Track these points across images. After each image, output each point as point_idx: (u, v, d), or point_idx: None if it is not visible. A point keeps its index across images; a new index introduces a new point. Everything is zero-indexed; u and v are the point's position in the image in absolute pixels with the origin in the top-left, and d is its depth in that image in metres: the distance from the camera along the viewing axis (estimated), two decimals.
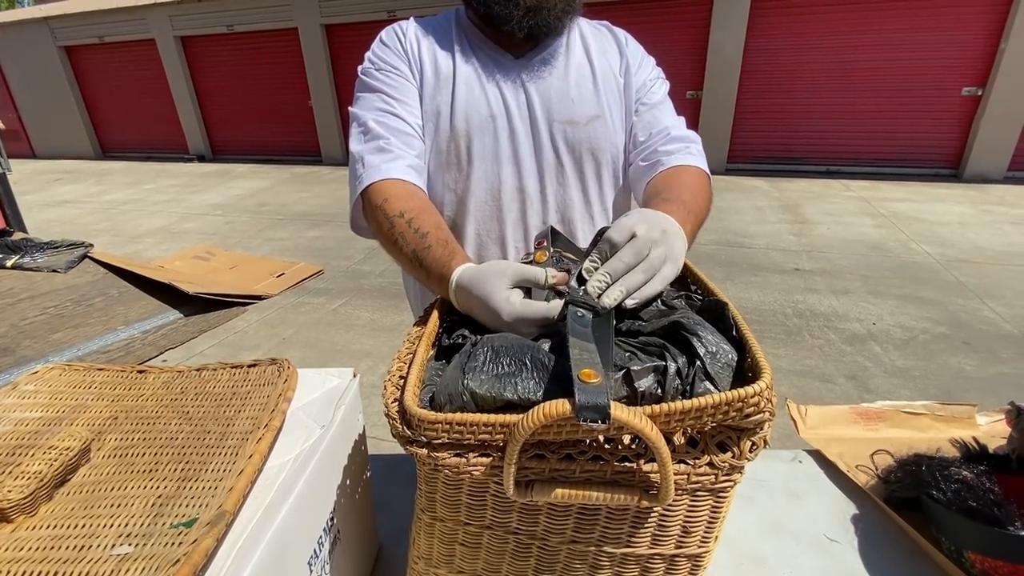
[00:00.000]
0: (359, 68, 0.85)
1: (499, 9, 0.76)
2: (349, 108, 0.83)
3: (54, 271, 3.57)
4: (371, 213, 0.74)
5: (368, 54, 0.85)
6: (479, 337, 0.50)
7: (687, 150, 0.82)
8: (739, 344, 0.44)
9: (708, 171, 0.83)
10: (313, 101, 8.90)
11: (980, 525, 0.61)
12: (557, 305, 0.50)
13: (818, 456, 0.89)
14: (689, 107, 6.98)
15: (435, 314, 0.57)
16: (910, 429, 0.96)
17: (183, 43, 9.49)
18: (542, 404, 0.34)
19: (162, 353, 2.93)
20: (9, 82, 10.81)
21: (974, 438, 0.83)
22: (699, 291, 0.57)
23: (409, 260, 0.67)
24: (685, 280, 0.60)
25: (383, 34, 0.85)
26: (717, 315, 0.48)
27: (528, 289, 0.55)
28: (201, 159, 10.04)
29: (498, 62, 0.83)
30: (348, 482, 0.58)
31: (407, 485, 0.85)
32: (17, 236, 4.08)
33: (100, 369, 0.58)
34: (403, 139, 0.79)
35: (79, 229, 5.52)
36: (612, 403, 0.33)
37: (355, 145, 0.79)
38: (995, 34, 5.90)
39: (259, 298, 3.61)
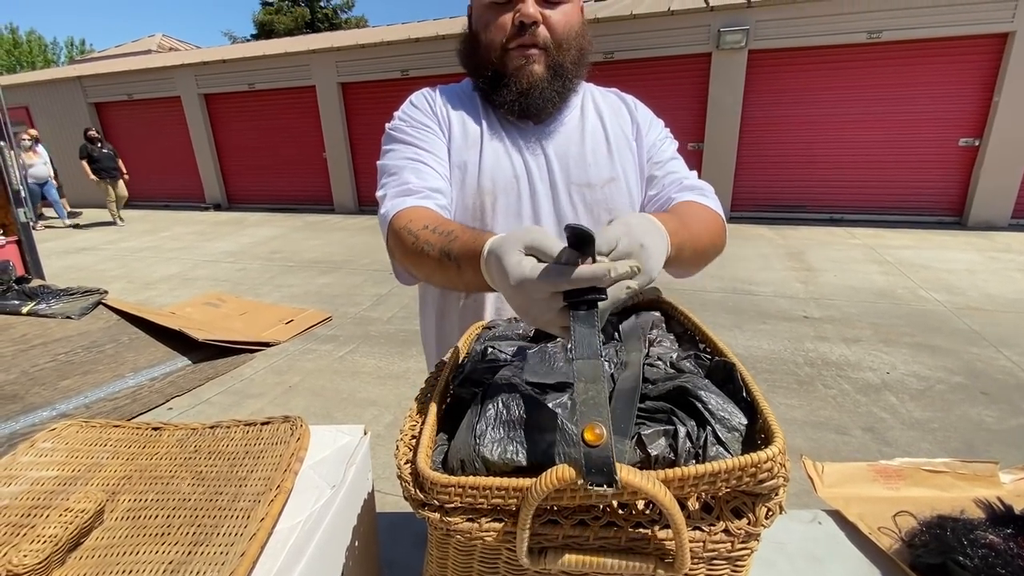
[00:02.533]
0: (387, 125, 0.87)
1: (494, 93, 0.82)
2: (378, 162, 0.85)
3: (68, 317, 3.62)
4: (396, 237, 0.72)
5: (398, 113, 0.88)
6: (488, 383, 0.50)
7: (701, 194, 0.85)
8: (750, 406, 0.44)
9: (722, 214, 0.84)
10: (327, 153, 9.25)
11: None
12: (574, 271, 0.42)
13: (838, 516, 0.86)
14: (691, 158, 7.18)
15: (447, 369, 0.58)
16: (932, 488, 0.93)
17: (206, 100, 9.99)
18: (552, 469, 0.34)
19: (168, 400, 2.92)
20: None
21: (999, 498, 0.80)
22: (708, 350, 0.57)
23: (438, 261, 0.63)
24: (694, 339, 0.61)
25: (413, 97, 0.89)
26: (726, 376, 0.48)
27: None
28: (217, 207, 10.34)
29: (519, 127, 0.88)
30: (357, 544, 0.57)
31: (413, 545, 0.83)
32: (35, 283, 4.17)
33: (116, 426, 0.58)
34: (431, 183, 0.80)
35: (95, 276, 5.64)
36: (623, 467, 0.33)
37: (382, 191, 0.80)
38: (988, 87, 6.09)
39: (267, 345, 3.63)
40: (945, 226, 6.48)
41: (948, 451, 2.27)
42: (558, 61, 0.80)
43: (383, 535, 0.82)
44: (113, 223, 8.81)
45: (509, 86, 0.80)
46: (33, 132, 8.98)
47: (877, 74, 6.40)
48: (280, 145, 9.79)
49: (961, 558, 0.66)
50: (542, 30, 0.78)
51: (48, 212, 9.53)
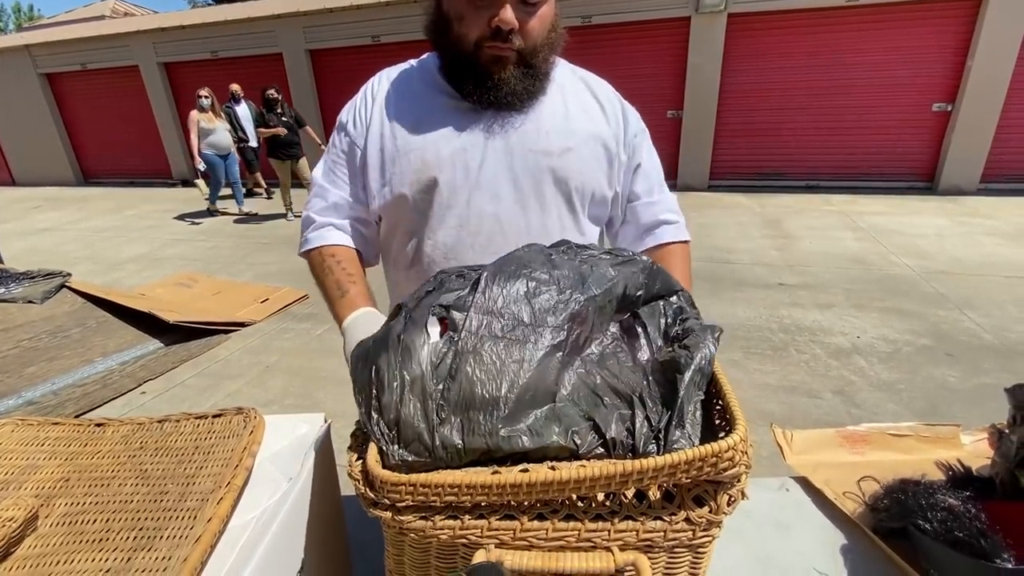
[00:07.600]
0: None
1: (460, 81, 0.82)
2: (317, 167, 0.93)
3: (30, 302, 3.49)
4: (317, 258, 0.89)
5: (340, 115, 0.91)
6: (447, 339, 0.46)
7: (674, 223, 0.95)
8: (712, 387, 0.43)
9: (688, 237, 0.96)
10: None
11: (966, 558, 0.60)
12: None
13: (805, 483, 0.87)
14: (670, 126, 7.11)
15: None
16: (895, 451, 0.95)
17: (167, 69, 9.49)
18: None
19: (141, 385, 2.86)
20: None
21: (959, 460, 0.82)
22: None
23: (328, 293, 0.86)
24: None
25: (356, 97, 0.91)
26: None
27: None
28: (185, 184, 9.96)
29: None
30: (319, 537, 0.55)
31: None
32: None
33: (56, 423, 0.55)
34: (341, 209, 0.90)
35: (58, 258, 5.42)
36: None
37: (307, 208, 0.93)
38: (961, 52, 6.11)
39: (243, 325, 3.55)
40: (917, 191, 6.59)
41: (914, 411, 2.35)
42: (530, 63, 0.81)
43: (355, 517, 0.81)
44: (284, 216, 6.71)
45: (478, 80, 0.80)
46: (235, 87, 6.71)
47: (854, 38, 6.36)
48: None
49: (921, 522, 0.67)
50: (517, 36, 0.77)
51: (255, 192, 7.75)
